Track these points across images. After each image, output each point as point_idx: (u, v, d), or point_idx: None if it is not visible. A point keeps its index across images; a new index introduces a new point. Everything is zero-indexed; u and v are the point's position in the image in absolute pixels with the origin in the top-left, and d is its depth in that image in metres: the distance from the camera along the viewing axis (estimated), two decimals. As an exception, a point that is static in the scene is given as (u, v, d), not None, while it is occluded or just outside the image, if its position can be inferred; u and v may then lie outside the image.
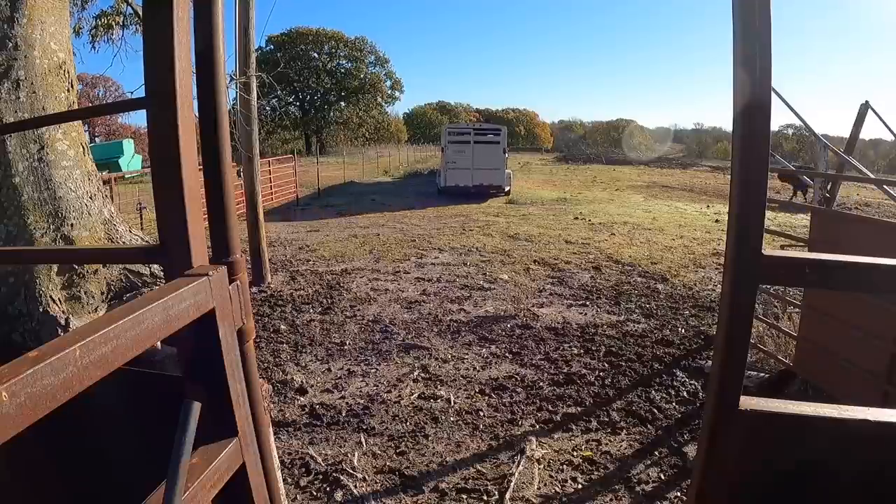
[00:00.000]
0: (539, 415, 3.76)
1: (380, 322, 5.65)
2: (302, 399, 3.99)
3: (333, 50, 49.83)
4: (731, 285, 1.07)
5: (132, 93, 7.51)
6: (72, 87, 2.77)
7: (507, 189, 17.86)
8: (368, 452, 3.30)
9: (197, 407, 0.92)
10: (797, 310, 4.45)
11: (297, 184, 16.21)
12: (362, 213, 14.11)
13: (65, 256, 2.14)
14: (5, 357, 0.68)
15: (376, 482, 3.02)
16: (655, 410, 3.80)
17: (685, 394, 4.05)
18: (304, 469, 3.14)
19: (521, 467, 3.12)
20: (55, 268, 2.57)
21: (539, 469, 3.13)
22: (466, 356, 4.79)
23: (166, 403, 0.96)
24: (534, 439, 3.43)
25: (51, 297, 2.52)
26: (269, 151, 36.30)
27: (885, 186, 4.28)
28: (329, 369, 4.52)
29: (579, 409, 3.86)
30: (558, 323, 5.62)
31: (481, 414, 3.77)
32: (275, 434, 2.92)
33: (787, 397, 2.82)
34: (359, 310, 6.05)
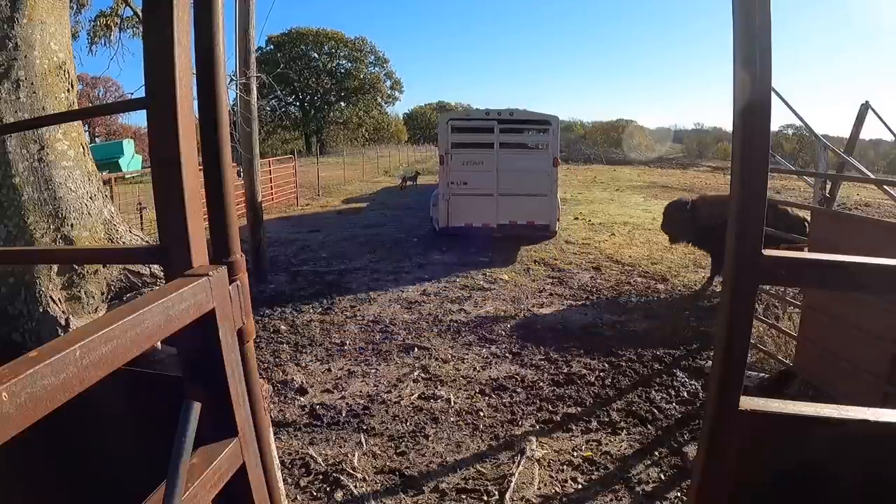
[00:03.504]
0: (539, 415, 3.76)
1: (380, 322, 5.65)
2: (302, 399, 3.99)
3: (333, 50, 49.83)
4: (731, 285, 1.07)
5: (132, 93, 7.52)
6: (72, 87, 2.77)
7: (556, 229, 9.89)
8: (368, 452, 3.30)
9: (197, 407, 0.92)
10: (797, 310, 4.45)
11: (297, 184, 16.21)
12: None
13: (65, 256, 2.14)
14: (5, 357, 0.68)
15: (376, 482, 3.02)
16: (655, 410, 3.80)
17: (685, 394, 4.05)
18: (304, 469, 3.14)
19: (521, 467, 3.12)
20: (55, 268, 2.57)
21: (539, 469, 3.13)
22: (466, 356, 4.79)
23: (166, 403, 0.96)
24: (534, 439, 3.43)
25: (51, 297, 2.52)
26: (270, 152, 36.30)
27: (885, 186, 4.28)
28: (329, 369, 4.52)
29: (579, 409, 3.86)
30: (558, 323, 5.62)
31: (481, 414, 3.77)
32: (275, 434, 2.92)
33: (787, 397, 2.82)
34: (359, 310, 6.05)
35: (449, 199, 9.50)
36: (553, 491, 2.95)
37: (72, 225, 2.67)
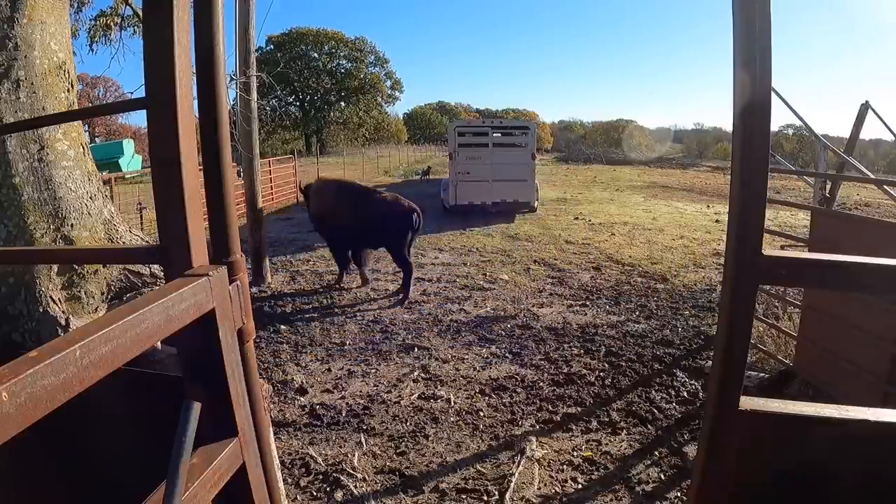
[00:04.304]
0: (539, 415, 3.76)
1: (380, 322, 5.65)
2: (302, 399, 3.99)
3: (333, 50, 49.84)
4: (731, 285, 1.07)
5: (132, 93, 7.51)
6: (72, 87, 2.76)
7: (535, 205, 13.45)
8: (368, 452, 3.30)
9: (197, 407, 0.92)
10: (797, 310, 4.45)
11: (297, 184, 16.19)
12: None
13: (65, 256, 2.14)
14: (5, 357, 0.68)
15: (376, 482, 3.02)
16: (655, 410, 3.80)
17: (685, 394, 4.05)
18: (304, 469, 3.14)
19: (521, 467, 3.12)
20: (55, 268, 2.56)
21: (539, 469, 3.13)
22: (466, 356, 4.79)
23: (166, 403, 0.96)
24: (534, 439, 3.43)
25: (51, 297, 2.51)
26: (270, 151, 36.29)
27: (885, 186, 4.28)
28: (329, 369, 4.52)
29: (579, 409, 3.86)
30: (558, 323, 5.62)
31: (481, 414, 3.77)
32: (275, 434, 2.92)
33: (787, 397, 2.82)
34: (359, 310, 6.05)
35: (456, 184, 12.98)
36: (553, 491, 2.95)
37: (72, 225, 2.66)
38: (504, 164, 12.91)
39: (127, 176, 18.48)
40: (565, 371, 4.45)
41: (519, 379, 4.31)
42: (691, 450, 3.26)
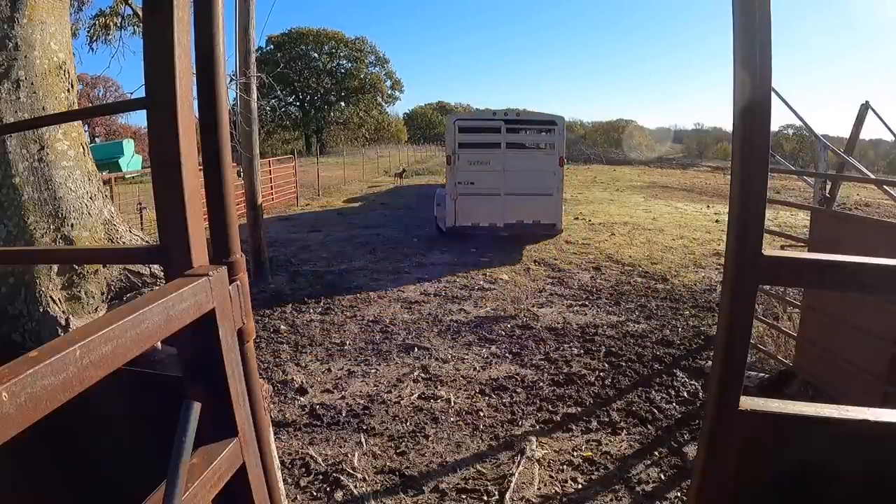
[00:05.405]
0: (539, 415, 3.76)
1: (380, 322, 5.65)
2: (302, 399, 3.99)
3: (333, 50, 49.89)
4: (731, 285, 1.07)
5: (132, 93, 7.52)
6: (72, 87, 2.76)
7: (561, 227, 10.01)
8: (368, 452, 3.30)
9: (197, 407, 0.92)
10: (797, 310, 4.45)
11: (297, 184, 16.20)
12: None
13: (65, 256, 2.14)
14: (5, 357, 0.68)
15: (376, 482, 3.02)
16: (655, 410, 3.80)
17: (685, 394, 4.05)
18: (304, 469, 3.14)
19: (521, 467, 3.12)
20: (55, 268, 2.56)
21: (539, 469, 3.13)
22: (466, 356, 4.79)
23: (166, 403, 0.96)
24: (534, 439, 3.43)
25: (51, 297, 2.51)
26: (270, 152, 36.31)
27: (885, 186, 4.28)
28: (329, 369, 4.52)
29: (579, 409, 3.86)
30: (558, 323, 5.62)
31: (481, 414, 3.77)
32: (275, 434, 2.92)
33: (787, 397, 2.82)
34: (359, 310, 6.05)
35: (456, 198, 9.55)
36: (553, 491, 2.95)
37: (72, 225, 2.66)
38: (522, 172, 9.46)
39: (127, 176, 18.48)
40: (565, 371, 4.45)
41: (519, 379, 4.31)
42: (691, 450, 3.26)
